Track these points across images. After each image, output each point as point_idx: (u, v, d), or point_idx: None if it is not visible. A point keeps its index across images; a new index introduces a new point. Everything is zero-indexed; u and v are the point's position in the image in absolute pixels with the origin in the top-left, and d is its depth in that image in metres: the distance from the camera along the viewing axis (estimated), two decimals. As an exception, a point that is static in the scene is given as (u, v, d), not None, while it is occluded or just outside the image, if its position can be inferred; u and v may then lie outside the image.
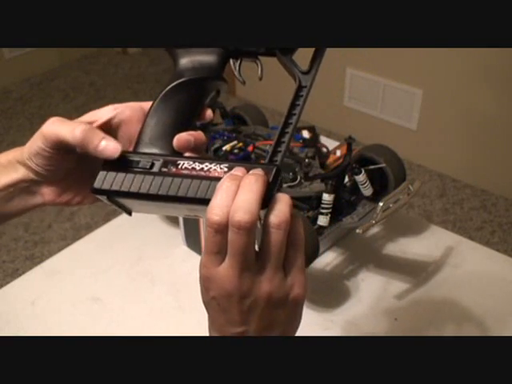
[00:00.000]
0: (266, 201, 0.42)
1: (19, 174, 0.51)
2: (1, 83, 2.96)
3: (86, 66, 3.21)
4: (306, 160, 0.89)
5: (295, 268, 0.44)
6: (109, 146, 0.47)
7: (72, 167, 0.52)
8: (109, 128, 0.50)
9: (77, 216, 2.13)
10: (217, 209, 0.41)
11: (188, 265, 0.95)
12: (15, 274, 1.89)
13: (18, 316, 0.88)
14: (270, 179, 0.43)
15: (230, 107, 1.07)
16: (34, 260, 1.95)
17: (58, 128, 0.47)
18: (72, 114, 2.79)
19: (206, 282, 0.43)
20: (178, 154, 0.49)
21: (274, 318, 0.44)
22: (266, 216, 0.42)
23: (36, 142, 0.48)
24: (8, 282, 0.94)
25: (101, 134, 0.47)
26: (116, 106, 0.51)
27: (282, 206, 0.42)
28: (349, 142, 0.87)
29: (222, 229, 0.41)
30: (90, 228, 1.99)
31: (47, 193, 0.53)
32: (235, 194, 0.41)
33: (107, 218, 1.02)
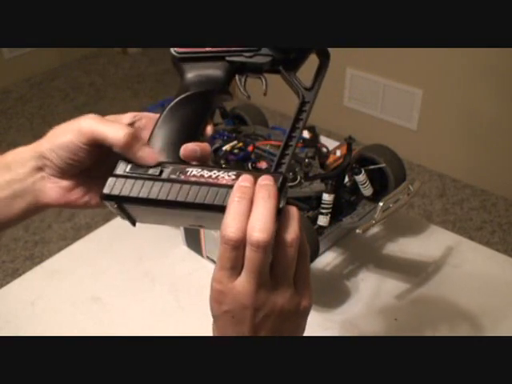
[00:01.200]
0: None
1: (26, 168, 0.51)
2: (1, 83, 2.96)
3: (86, 66, 3.20)
4: (306, 160, 0.89)
5: (304, 280, 0.45)
6: (149, 155, 0.48)
7: (89, 165, 0.51)
8: None
9: (77, 216, 2.13)
10: (232, 226, 0.41)
11: (188, 265, 0.94)
12: (15, 274, 1.89)
13: (18, 316, 0.87)
14: (278, 186, 0.44)
15: (230, 107, 1.07)
16: (33, 260, 1.95)
17: (99, 126, 0.48)
18: (72, 114, 2.77)
19: (219, 296, 0.44)
20: (185, 162, 0.49)
21: (282, 330, 0.45)
22: (280, 233, 0.43)
23: (67, 136, 0.49)
24: (8, 282, 0.94)
25: (142, 140, 0.49)
26: (135, 114, 0.53)
27: (294, 222, 0.43)
28: (349, 142, 0.87)
29: (238, 245, 0.41)
30: (90, 228, 1.99)
31: (54, 190, 0.52)
32: (247, 208, 0.42)
33: (107, 217, 1.02)
